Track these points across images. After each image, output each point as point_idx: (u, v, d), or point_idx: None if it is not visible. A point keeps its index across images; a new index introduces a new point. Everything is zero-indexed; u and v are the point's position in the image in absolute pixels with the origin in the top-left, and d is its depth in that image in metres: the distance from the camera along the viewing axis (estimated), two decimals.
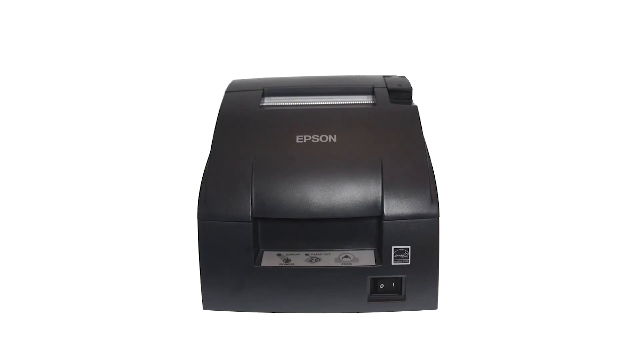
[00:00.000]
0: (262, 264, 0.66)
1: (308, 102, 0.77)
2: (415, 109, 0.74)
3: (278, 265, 0.66)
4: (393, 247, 0.65)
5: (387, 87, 0.79)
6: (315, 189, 0.66)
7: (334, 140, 0.69)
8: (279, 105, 0.77)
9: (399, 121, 0.72)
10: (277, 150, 0.69)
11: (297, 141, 0.69)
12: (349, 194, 0.66)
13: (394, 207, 0.65)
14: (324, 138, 0.69)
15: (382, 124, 0.71)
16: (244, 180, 0.67)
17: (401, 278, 0.66)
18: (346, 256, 0.67)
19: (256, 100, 0.77)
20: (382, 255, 0.65)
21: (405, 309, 0.67)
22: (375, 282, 0.66)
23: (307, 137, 0.69)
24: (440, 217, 0.65)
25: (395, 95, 0.77)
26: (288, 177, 0.67)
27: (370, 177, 0.66)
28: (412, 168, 0.67)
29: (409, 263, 0.65)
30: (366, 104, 0.77)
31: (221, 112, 0.74)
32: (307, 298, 0.66)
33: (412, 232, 0.65)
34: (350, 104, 0.77)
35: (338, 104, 0.77)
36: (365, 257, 0.66)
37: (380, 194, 0.66)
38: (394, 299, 0.67)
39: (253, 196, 0.66)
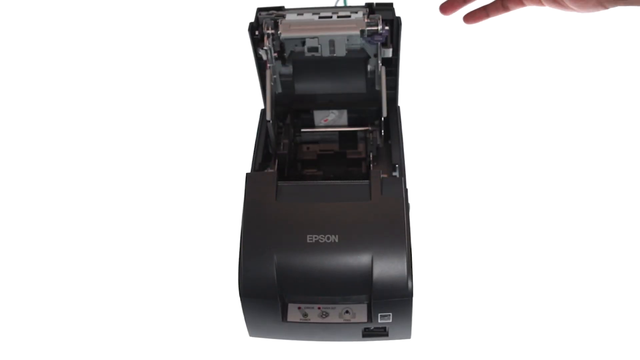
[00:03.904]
0: (289, 319, 0.95)
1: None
2: (401, 200, 0.94)
3: (299, 320, 0.95)
4: (379, 314, 0.93)
5: None
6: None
7: (336, 240, 0.92)
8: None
9: (388, 215, 0.93)
10: (293, 247, 0.92)
11: (308, 241, 0.92)
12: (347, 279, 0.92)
13: (381, 291, 0.91)
14: (328, 238, 0.92)
15: (374, 220, 0.93)
16: (271, 269, 0.92)
17: (385, 327, 0.96)
18: (347, 312, 0.95)
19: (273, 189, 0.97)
20: (372, 315, 0.94)
21: (387, 339, 0.98)
22: (367, 328, 0.96)
23: (316, 237, 0.92)
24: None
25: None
26: (302, 265, 0.92)
27: (363, 272, 0.91)
28: (395, 259, 0.91)
29: (390, 321, 0.94)
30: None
31: (246, 206, 0.96)
32: (321, 336, 0.98)
33: (393, 305, 0.92)
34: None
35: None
36: (360, 313, 0.95)
37: (371, 282, 0.91)
38: (380, 334, 0.97)
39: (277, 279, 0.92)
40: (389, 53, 1.04)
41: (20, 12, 1.51)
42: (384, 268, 0.92)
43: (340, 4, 1.08)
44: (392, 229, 0.94)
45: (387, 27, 1.01)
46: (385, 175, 0.99)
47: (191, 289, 1.07)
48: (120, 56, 1.45)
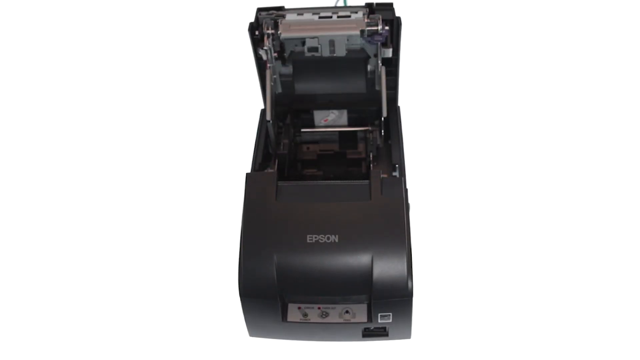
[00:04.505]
0: (288, 319, 0.95)
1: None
2: (400, 201, 0.94)
3: (299, 320, 0.95)
4: (379, 314, 0.93)
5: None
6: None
7: (336, 240, 0.92)
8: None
9: (388, 215, 0.93)
10: (293, 247, 0.93)
11: (308, 241, 0.93)
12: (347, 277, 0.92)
13: (380, 291, 0.91)
14: (328, 238, 0.92)
15: (374, 220, 0.93)
16: (271, 269, 0.92)
17: (385, 327, 0.96)
18: (347, 312, 0.95)
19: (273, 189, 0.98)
20: (372, 315, 0.94)
21: (387, 339, 0.98)
22: (367, 328, 0.96)
23: (316, 237, 0.92)
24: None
25: None
26: (302, 265, 0.92)
27: (363, 272, 0.92)
28: (395, 259, 0.91)
29: (390, 321, 0.94)
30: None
31: (246, 206, 0.96)
32: (321, 336, 0.98)
33: (393, 305, 0.92)
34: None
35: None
36: (360, 313, 0.95)
37: (371, 282, 0.91)
38: (380, 334, 0.97)
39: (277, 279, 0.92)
40: (389, 53, 1.04)
41: (20, 12, 1.51)
42: (384, 268, 0.92)
43: (340, 4, 1.08)
44: (392, 229, 0.94)
45: (387, 27, 1.01)
46: (385, 175, 1.00)
47: (191, 289, 1.07)
48: (120, 56, 1.45)
